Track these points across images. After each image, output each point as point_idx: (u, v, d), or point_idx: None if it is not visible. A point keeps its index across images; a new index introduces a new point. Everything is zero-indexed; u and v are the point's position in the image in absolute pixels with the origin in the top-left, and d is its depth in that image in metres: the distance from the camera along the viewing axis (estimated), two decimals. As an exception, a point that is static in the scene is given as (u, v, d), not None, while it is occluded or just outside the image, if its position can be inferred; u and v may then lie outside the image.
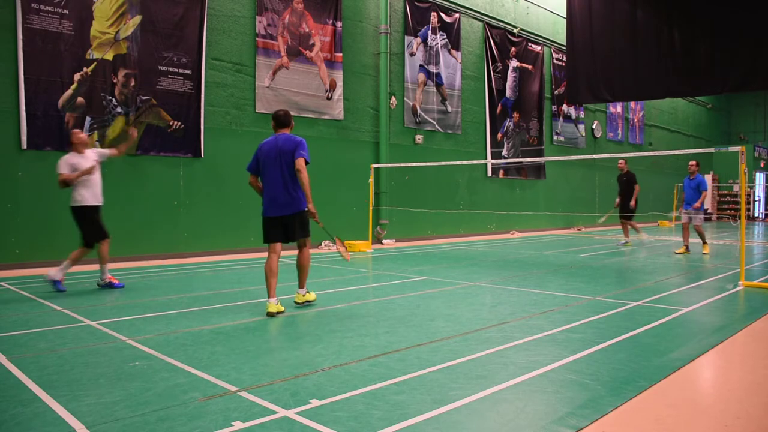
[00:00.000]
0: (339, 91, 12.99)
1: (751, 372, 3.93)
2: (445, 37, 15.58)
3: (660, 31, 12.07)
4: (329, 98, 12.82)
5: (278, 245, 5.73)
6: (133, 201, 9.97)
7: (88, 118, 9.43)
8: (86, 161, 6.85)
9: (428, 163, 13.35)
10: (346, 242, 12.27)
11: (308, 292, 6.07)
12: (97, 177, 6.97)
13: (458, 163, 13.44)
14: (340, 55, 13.00)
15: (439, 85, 15.41)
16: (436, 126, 15.37)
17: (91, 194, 6.87)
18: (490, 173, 17.06)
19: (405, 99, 14.50)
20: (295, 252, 5.99)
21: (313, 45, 12.50)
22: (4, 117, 8.70)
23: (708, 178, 27.61)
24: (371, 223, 12.89)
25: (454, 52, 15.81)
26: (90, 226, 6.92)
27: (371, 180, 12.85)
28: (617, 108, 23.21)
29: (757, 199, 29.79)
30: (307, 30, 12.39)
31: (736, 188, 28.13)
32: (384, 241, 13.74)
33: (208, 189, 10.88)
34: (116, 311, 5.73)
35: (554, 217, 19.50)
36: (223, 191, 11.02)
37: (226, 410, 3.06)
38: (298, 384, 3.49)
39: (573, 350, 4.25)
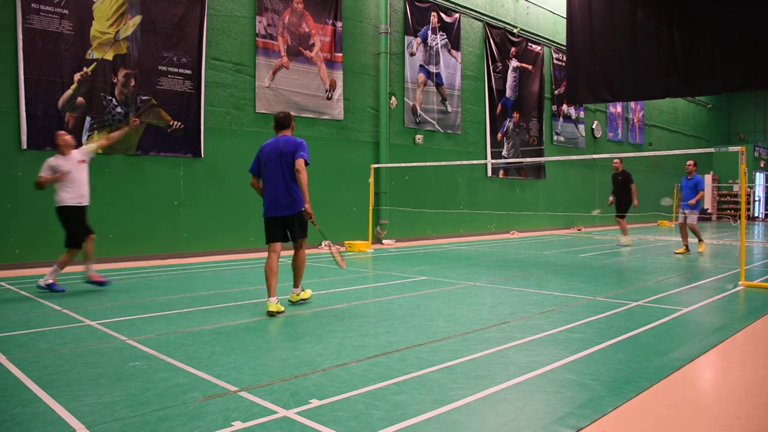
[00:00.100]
0: (339, 91, 12.99)
1: (751, 372, 3.93)
2: (445, 37, 15.57)
3: (660, 31, 12.06)
4: (329, 98, 12.82)
5: (278, 245, 5.79)
6: (133, 201, 9.98)
7: (88, 118, 9.43)
8: (69, 163, 6.79)
9: (428, 163, 13.35)
10: (346, 242, 12.34)
11: (303, 290, 6.19)
12: (82, 177, 6.91)
13: (458, 163, 13.44)
14: (340, 55, 13.00)
15: (439, 85, 15.40)
16: (436, 126, 15.36)
17: (71, 195, 6.80)
18: (490, 173, 17.06)
19: (405, 99, 14.49)
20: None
21: (313, 45, 12.49)
22: (4, 117, 8.70)
23: (708, 178, 27.61)
24: (371, 223, 12.89)
25: (454, 52, 15.81)
26: (75, 226, 6.88)
27: (371, 180, 12.85)
28: (617, 108, 23.20)
29: (757, 199, 29.79)
30: (307, 30, 12.39)
31: (736, 188, 28.12)
32: (384, 241, 13.74)
33: (208, 189, 10.88)
34: (116, 311, 5.73)
35: (554, 217, 19.49)
36: (223, 191, 11.02)
37: (226, 410, 3.06)
38: (298, 384, 3.49)
39: (573, 350, 4.25)
